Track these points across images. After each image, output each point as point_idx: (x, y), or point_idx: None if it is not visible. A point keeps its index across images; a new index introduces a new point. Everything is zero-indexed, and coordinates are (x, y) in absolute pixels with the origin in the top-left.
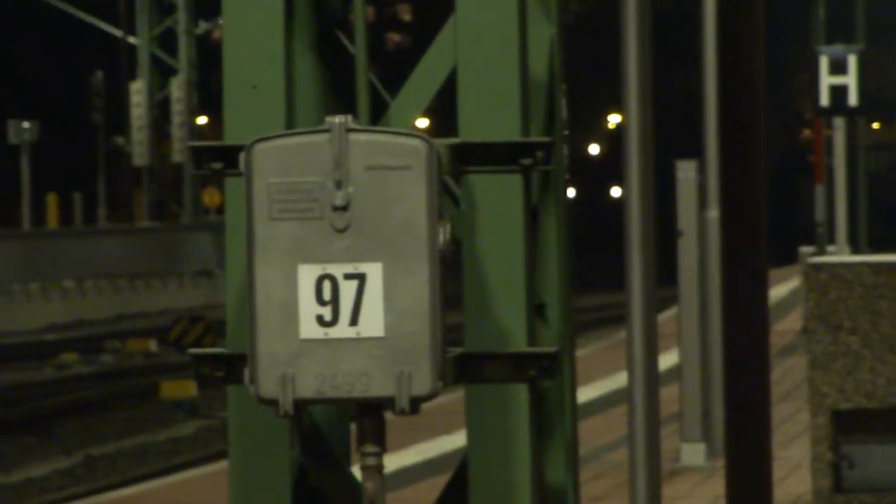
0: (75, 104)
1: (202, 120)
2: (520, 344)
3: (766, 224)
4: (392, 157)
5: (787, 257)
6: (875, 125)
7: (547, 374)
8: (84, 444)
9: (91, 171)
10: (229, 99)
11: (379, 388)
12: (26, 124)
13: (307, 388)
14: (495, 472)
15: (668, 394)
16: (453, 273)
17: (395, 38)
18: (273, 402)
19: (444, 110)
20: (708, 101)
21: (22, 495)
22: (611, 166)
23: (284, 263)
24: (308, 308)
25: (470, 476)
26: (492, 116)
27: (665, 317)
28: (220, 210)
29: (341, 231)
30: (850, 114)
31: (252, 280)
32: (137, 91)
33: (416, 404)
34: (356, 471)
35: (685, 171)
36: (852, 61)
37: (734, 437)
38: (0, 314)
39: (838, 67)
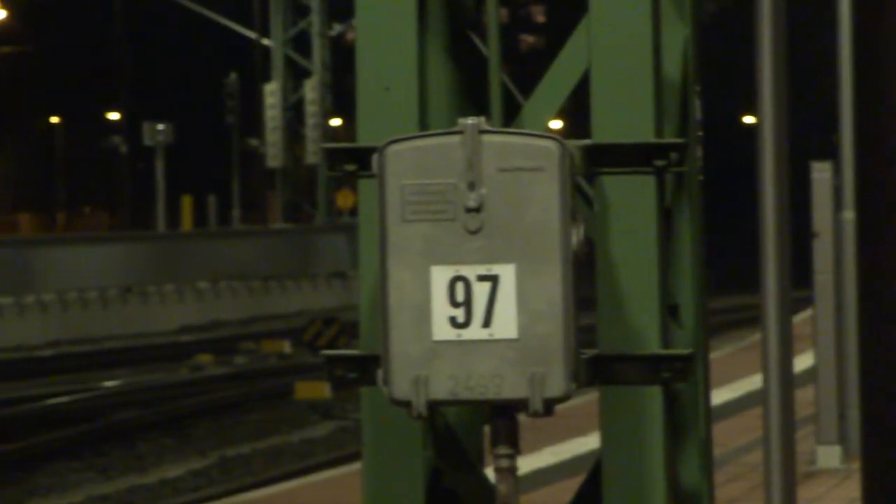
0: (210, 106)
1: (336, 122)
2: (653, 346)
3: None
4: (525, 158)
5: None
6: None
7: (681, 376)
8: (219, 444)
9: (225, 172)
10: (362, 101)
11: (512, 389)
12: (161, 126)
13: (440, 389)
14: (629, 473)
15: (804, 396)
16: (587, 274)
17: (528, 39)
18: (406, 404)
19: (577, 112)
20: (843, 101)
21: (157, 496)
22: None
23: (417, 265)
24: (441, 310)
25: (604, 478)
26: (625, 117)
27: (800, 319)
28: (354, 212)
29: (474, 233)
30: None
31: (385, 282)
32: (271, 93)
33: (549, 406)
34: (489, 473)
35: (821, 172)
36: None
37: (870, 440)
38: (135, 316)
39: None
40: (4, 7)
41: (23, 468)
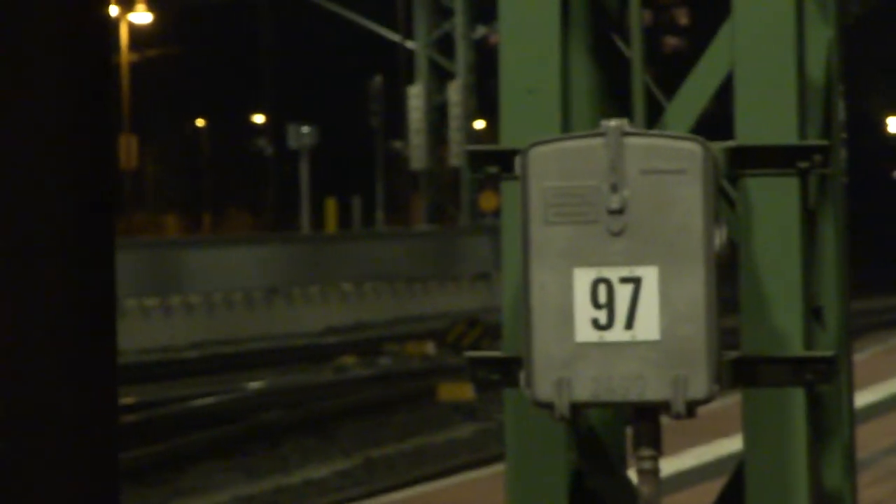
0: (354, 109)
1: (479, 124)
2: (796, 348)
3: None
4: (668, 160)
5: None
6: None
7: (824, 378)
8: (362, 445)
9: (369, 174)
10: (505, 103)
11: (654, 391)
12: (305, 129)
13: (583, 391)
14: (772, 476)
15: None
16: (729, 276)
17: (671, 41)
18: (549, 406)
19: (718, 113)
20: None
21: (302, 496)
22: None
23: (560, 267)
24: (583, 311)
25: (746, 480)
26: (769, 119)
27: None
28: (497, 213)
29: (617, 235)
30: None
31: (528, 284)
32: (415, 95)
33: (692, 408)
34: (632, 474)
35: None
36: None
37: None
38: (280, 317)
39: None
40: (151, 10)
41: (169, 468)
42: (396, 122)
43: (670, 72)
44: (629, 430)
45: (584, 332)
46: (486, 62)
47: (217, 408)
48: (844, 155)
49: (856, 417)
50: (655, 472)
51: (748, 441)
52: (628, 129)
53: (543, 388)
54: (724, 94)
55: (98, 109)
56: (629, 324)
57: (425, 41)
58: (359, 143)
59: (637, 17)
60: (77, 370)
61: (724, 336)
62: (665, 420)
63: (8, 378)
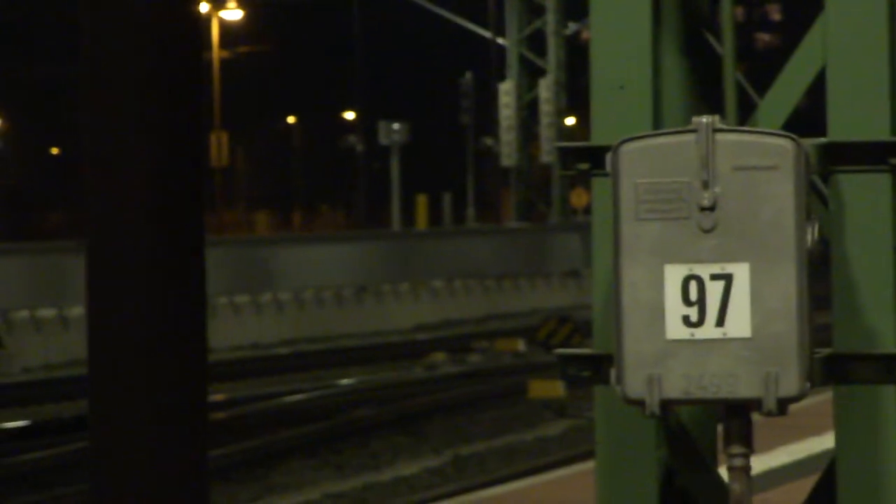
0: (445, 105)
1: (570, 120)
2: (888, 345)
3: None
4: (759, 156)
5: None
6: None
7: None
8: (453, 443)
9: (460, 171)
10: (596, 99)
11: (746, 389)
12: (396, 126)
13: (674, 388)
14: (863, 473)
15: None
16: (821, 274)
17: (764, 37)
18: (640, 403)
19: (809, 110)
20: None
21: (393, 493)
22: None
23: (651, 264)
24: (674, 308)
25: (838, 478)
26: (861, 116)
27: None
28: (588, 210)
29: (708, 231)
30: None
31: (618, 280)
32: (506, 92)
33: (783, 405)
34: (723, 472)
35: None
36: None
37: None
38: (370, 314)
39: None
40: (242, 7)
41: (259, 465)
42: (487, 118)
43: (762, 68)
44: (720, 428)
45: (675, 329)
46: (577, 58)
47: (307, 405)
48: None
49: None
50: (746, 469)
51: (840, 439)
52: (720, 125)
53: (634, 386)
54: (816, 91)
55: (189, 106)
56: (720, 321)
57: (517, 38)
58: (450, 140)
59: (729, 13)
60: (167, 366)
61: (817, 333)
62: (756, 417)
63: (99, 373)
